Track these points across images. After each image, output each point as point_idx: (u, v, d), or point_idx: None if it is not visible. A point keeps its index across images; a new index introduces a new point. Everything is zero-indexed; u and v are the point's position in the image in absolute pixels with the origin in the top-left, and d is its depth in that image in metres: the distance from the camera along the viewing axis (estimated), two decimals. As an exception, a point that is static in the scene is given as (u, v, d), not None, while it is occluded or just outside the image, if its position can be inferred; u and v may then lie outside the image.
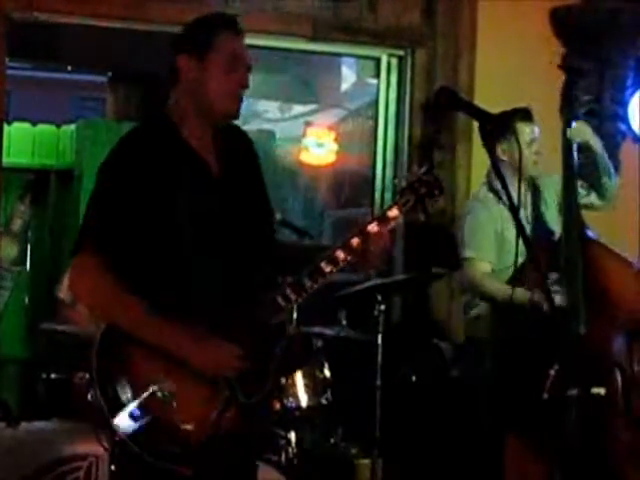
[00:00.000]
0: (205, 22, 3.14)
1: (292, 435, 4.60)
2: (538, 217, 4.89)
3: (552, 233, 4.84)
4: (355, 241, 3.09)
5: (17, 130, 7.72)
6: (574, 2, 6.18)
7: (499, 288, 4.60)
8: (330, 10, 5.93)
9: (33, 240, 7.13)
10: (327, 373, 4.69)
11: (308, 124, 8.95)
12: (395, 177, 6.20)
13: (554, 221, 4.88)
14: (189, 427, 2.93)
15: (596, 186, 4.88)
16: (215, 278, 3.05)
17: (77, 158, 7.47)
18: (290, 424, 4.62)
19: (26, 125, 7.91)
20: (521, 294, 4.33)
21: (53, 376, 4.66)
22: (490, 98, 5.35)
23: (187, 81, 3.11)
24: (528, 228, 4.74)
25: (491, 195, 4.86)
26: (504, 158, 4.70)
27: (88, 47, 7.59)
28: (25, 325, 7.25)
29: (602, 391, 4.32)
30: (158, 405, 2.91)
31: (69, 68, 11.58)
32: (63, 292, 4.60)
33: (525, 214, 4.82)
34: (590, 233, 4.69)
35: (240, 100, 3.13)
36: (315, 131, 8.70)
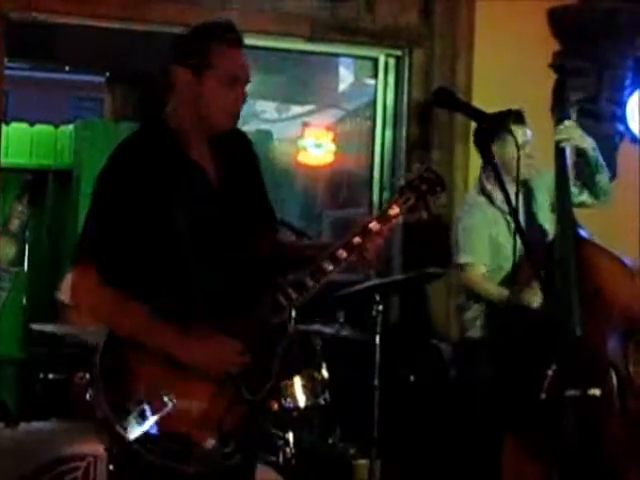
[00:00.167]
0: (202, 34, 3.11)
1: (290, 435, 4.60)
2: (531, 218, 4.89)
3: (545, 233, 4.85)
4: (356, 240, 3.09)
5: (15, 130, 7.71)
6: (571, 2, 6.19)
7: (497, 290, 4.62)
8: (328, 10, 5.93)
9: (31, 240, 7.11)
10: (325, 373, 4.69)
11: (306, 125, 8.95)
12: (393, 177, 6.22)
13: (547, 220, 4.89)
14: (194, 425, 2.94)
15: (589, 185, 4.87)
16: (215, 286, 3.05)
17: (75, 158, 7.46)
18: (288, 424, 4.62)
19: (24, 125, 7.90)
20: (516, 295, 4.35)
21: (51, 376, 4.66)
22: (488, 98, 5.36)
23: (183, 92, 3.09)
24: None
25: (483, 199, 4.87)
26: (495, 160, 4.67)
27: (86, 47, 7.58)
28: (23, 325, 7.24)
29: (597, 392, 4.33)
30: (163, 409, 2.92)
31: (67, 68, 11.57)
32: (64, 294, 4.60)
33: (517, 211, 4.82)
34: (583, 232, 4.70)
35: (237, 115, 3.12)
36: (313, 131, 8.70)
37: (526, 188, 4.91)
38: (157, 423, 2.90)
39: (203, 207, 3.07)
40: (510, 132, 4.48)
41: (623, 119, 6.33)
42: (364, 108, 7.68)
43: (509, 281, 4.60)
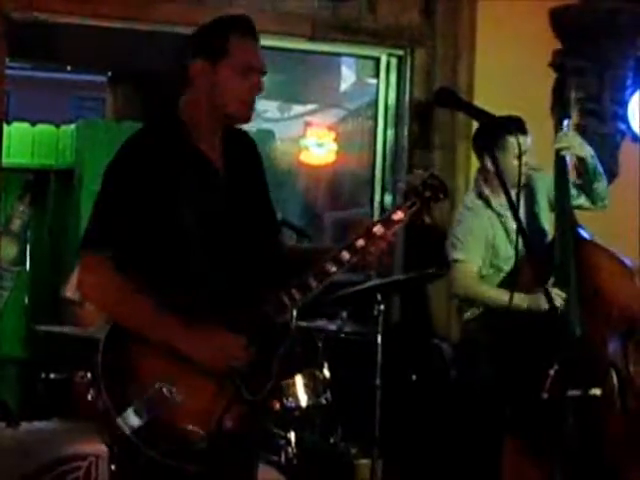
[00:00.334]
0: (220, 25, 3.13)
1: (292, 435, 4.60)
2: (532, 219, 4.89)
3: (545, 233, 4.85)
4: (360, 242, 3.11)
5: (17, 130, 7.72)
6: (573, 2, 6.19)
7: (495, 294, 4.61)
8: (329, 10, 5.94)
9: (32, 240, 7.12)
10: (327, 373, 4.69)
11: (308, 124, 8.95)
12: (395, 176, 6.22)
13: (546, 221, 4.89)
14: (193, 424, 2.94)
15: (587, 191, 4.88)
16: (219, 281, 3.06)
17: (77, 158, 7.47)
18: (290, 424, 4.62)
19: (26, 125, 7.91)
20: (516, 299, 4.35)
21: (53, 376, 4.67)
22: (489, 98, 5.37)
23: (201, 84, 3.11)
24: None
25: (480, 202, 4.86)
26: (491, 168, 4.67)
27: (88, 47, 7.59)
28: (25, 325, 7.25)
29: (598, 392, 4.33)
30: (163, 402, 2.92)
31: (69, 68, 11.59)
32: (70, 291, 4.60)
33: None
34: (584, 233, 4.70)
35: (252, 105, 3.15)
36: (315, 131, 8.70)
37: (528, 189, 4.91)
38: (157, 418, 2.91)
39: (210, 200, 3.09)
40: (511, 138, 4.50)
41: (624, 118, 6.33)
42: (366, 108, 7.68)
43: (509, 282, 4.60)
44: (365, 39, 6.10)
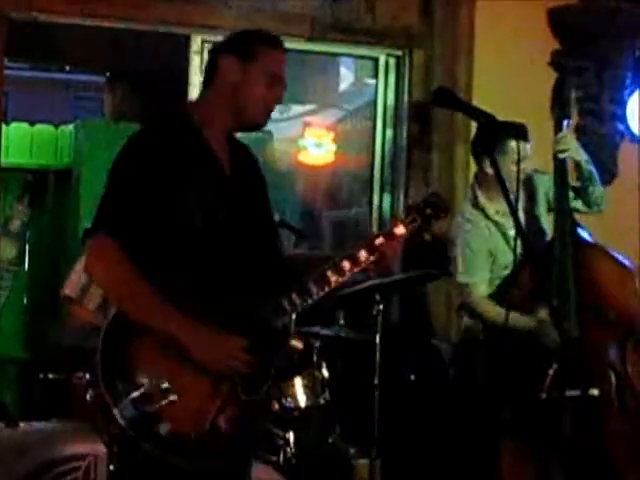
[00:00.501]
0: (252, 34, 3.23)
1: (290, 435, 4.60)
2: (532, 219, 4.89)
3: (544, 233, 4.85)
4: (362, 254, 3.17)
5: (15, 130, 7.72)
6: (572, 2, 6.19)
7: (495, 312, 4.62)
8: (328, 10, 5.94)
9: (31, 240, 7.12)
10: (325, 373, 4.69)
11: (306, 124, 8.94)
12: (394, 176, 6.24)
13: (545, 220, 4.90)
14: (188, 420, 2.95)
15: (582, 195, 4.87)
16: (222, 272, 3.09)
17: (75, 158, 7.46)
18: (288, 424, 4.62)
19: (24, 125, 7.90)
20: (518, 320, 4.37)
21: (51, 376, 4.66)
22: (488, 98, 5.37)
23: (225, 82, 3.15)
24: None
25: (477, 212, 4.85)
26: (489, 172, 4.66)
27: (86, 47, 7.59)
28: (23, 325, 7.25)
29: (596, 392, 4.33)
30: (160, 397, 2.93)
31: (67, 68, 11.60)
32: (68, 288, 4.60)
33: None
34: (583, 234, 4.70)
35: (270, 114, 3.22)
36: (313, 131, 8.69)
37: (526, 190, 4.91)
38: (153, 412, 2.92)
39: (217, 197, 3.12)
40: (511, 142, 4.50)
41: (623, 118, 6.34)
42: (364, 108, 7.68)
43: (508, 284, 4.60)
44: (364, 39, 6.11)
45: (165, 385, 2.94)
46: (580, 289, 4.45)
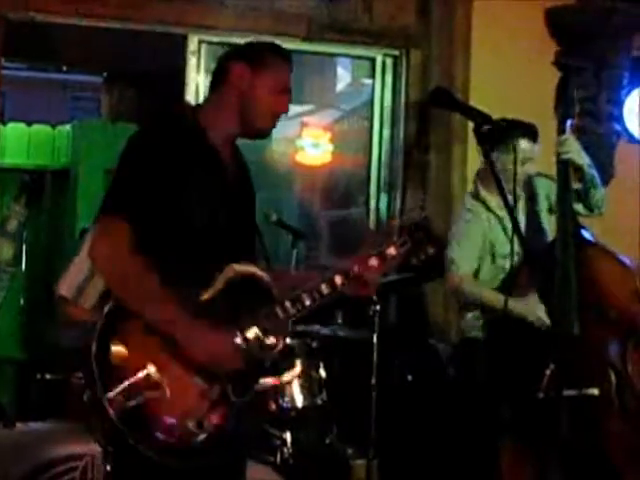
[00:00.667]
0: (263, 44, 3.28)
1: (288, 435, 4.61)
2: (533, 219, 4.89)
3: (545, 233, 4.85)
4: (355, 270, 3.20)
5: (12, 130, 7.72)
6: (569, 2, 6.19)
7: (493, 295, 4.62)
8: (325, 10, 5.94)
9: (29, 240, 7.11)
10: (322, 373, 4.69)
11: (303, 124, 8.94)
12: (391, 176, 6.24)
13: (546, 221, 4.90)
14: (177, 419, 2.95)
15: (583, 199, 4.87)
16: (216, 270, 3.10)
17: (72, 158, 7.47)
18: (286, 424, 4.63)
19: (21, 125, 7.90)
20: (514, 306, 4.37)
21: (48, 377, 4.67)
22: (485, 98, 5.37)
23: (234, 88, 3.19)
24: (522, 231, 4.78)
25: (478, 204, 4.86)
26: (497, 165, 4.66)
27: (84, 47, 7.59)
28: (20, 326, 7.25)
29: (596, 391, 4.33)
30: (151, 390, 2.93)
31: (64, 68, 11.57)
32: (64, 288, 4.59)
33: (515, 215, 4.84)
34: (586, 234, 4.70)
35: (275, 124, 3.27)
36: (310, 131, 8.68)
37: (529, 191, 4.91)
38: (143, 407, 2.91)
39: (219, 198, 3.15)
40: (512, 145, 4.51)
41: (620, 119, 6.34)
42: (361, 108, 7.68)
43: (507, 284, 4.60)
44: (361, 39, 6.11)
45: (157, 379, 2.94)
46: (581, 288, 4.45)
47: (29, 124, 7.95)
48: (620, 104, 6.34)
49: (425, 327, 6.04)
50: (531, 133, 4.78)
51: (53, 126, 7.99)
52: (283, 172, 8.53)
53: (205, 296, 3.06)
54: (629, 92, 6.38)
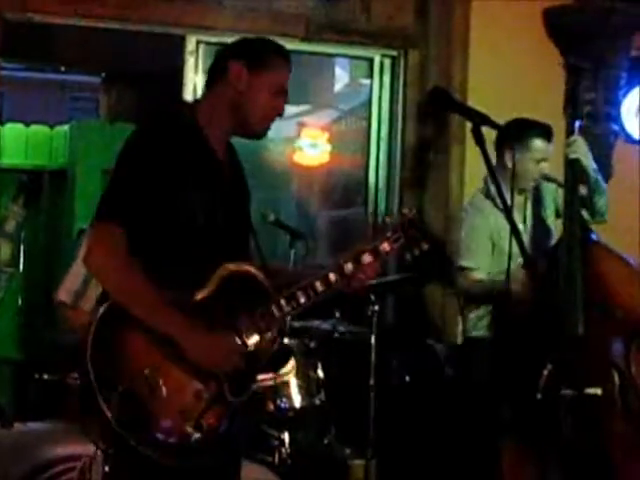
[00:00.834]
0: (263, 42, 3.26)
1: (286, 435, 4.61)
2: (540, 221, 4.90)
3: (551, 233, 4.86)
4: (348, 267, 3.20)
5: (10, 131, 7.72)
6: (567, 2, 6.19)
7: (488, 280, 4.65)
8: (323, 10, 5.94)
9: (27, 241, 7.12)
10: (320, 373, 4.69)
11: (301, 125, 8.94)
12: (389, 176, 6.24)
13: (552, 223, 4.91)
14: (173, 419, 2.95)
15: (587, 205, 4.86)
16: (211, 270, 3.09)
17: (70, 159, 7.47)
18: (284, 424, 4.63)
19: (19, 126, 7.91)
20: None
21: (46, 377, 4.66)
22: (483, 98, 5.37)
23: (231, 87, 3.16)
24: (527, 235, 4.79)
25: (487, 202, 4.85)
26: (509, 165, 4.66)
27: (82, 48, 7.59)
28: (18, 326, 7.25)
29: (598, 391, 4.33)
30: (147, 391, 2.93)
31: (63, 69, 11.58)
32: (63, 294, 4.59)
33: (523, 216, 4.84)
34: (593, 236, 4.69)
35: (270, 124, 3.25)
36: (308, 132, 8.68)
37: (536, 193, 4.91)
38: (140, 407, 2.91)
39: (216, 198, 3.14)
40: (538, 141, 4.54)
41: (618, 119, 6.34)
42: (360, 108, 7.68)
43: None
44: (359, 40, 6.11)
45: (154, 380, 2.93)
46: (587, 286, 4.45)
47: (27, 124, 7.95)
48: (618, 104, 6.34)
49: (423, 327, 6.04)
50: (546, 133, 4.79)
51: (51, 126, 7.99)
52: (281, 172, 8.53)
53: (200, 296, 3.06)
54: (627, 93, 6.37)
